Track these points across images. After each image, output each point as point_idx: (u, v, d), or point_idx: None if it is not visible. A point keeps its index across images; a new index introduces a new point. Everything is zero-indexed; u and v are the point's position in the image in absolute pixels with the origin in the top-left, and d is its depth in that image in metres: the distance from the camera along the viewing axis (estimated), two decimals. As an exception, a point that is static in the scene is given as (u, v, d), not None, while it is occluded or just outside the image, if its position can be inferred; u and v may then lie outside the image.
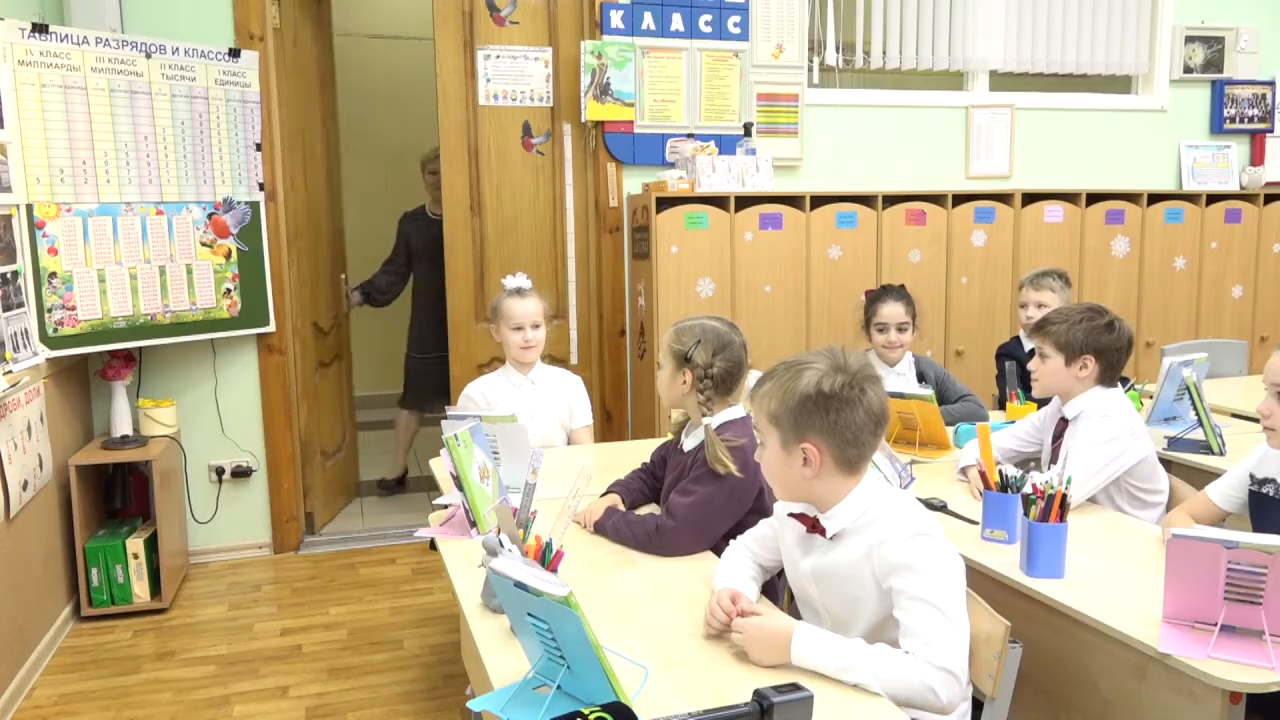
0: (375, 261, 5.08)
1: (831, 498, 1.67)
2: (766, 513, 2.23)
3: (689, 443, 2.30)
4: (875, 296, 3.45)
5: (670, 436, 2.45)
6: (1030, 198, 4.51)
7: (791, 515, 1.76)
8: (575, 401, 3.19)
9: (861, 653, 1.54)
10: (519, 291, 3.13)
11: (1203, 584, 1.66)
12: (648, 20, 4.28)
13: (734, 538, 2.16)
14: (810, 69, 4.55)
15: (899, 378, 3.35)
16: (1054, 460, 2.58)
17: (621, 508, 2.34)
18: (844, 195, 4.29)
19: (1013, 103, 4.79)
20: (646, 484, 2.47)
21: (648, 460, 2.52)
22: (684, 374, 2.23)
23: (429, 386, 4.84)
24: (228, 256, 3.86)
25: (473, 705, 1.57)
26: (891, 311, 3.37)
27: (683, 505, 2.15)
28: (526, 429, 2.63)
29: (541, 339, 3.14)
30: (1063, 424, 2.59)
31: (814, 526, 1.71)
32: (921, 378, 3.37)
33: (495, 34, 4.29)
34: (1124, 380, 3.25)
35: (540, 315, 3.12)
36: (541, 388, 3.14)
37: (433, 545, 3.17)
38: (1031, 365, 2.62)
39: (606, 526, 2.25)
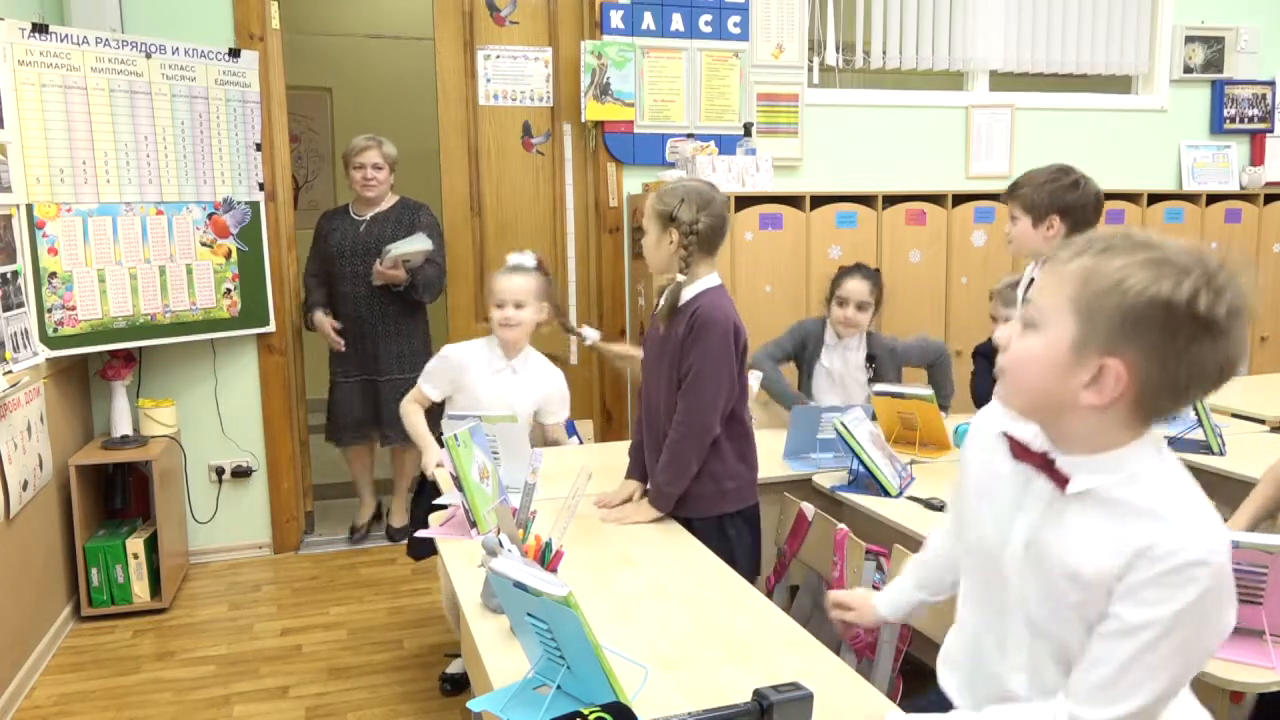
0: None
1: (1093, 441, 1.16)
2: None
3: (662, 303, 2.36)
4: (843, 272, 3.40)
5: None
6: (1030, 198, 4.51)
7: (1007, 435, 1.26)
8: (552, 397, 3.02)
9: None
10: (512, 268, 2.92)
11: (1203, 584, 1.66)
12: (648, 20, 4.28)
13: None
14: (810, 69, 4.55)
15: (847, 353, 3.35)
16: None
17: (637, 493, 2.39)
18: (844, 195, 4.29)
19: (1013, 103, 4.79)
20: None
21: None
22: (670, 233, 2.27)
23: (349, 416, 4.16)
24: (228, 256, 3.86)
25: (473, 705, 1.57)
26: (855, 288, 3.29)
27: (690, 400, 2.25)
28: (526, 429, 2.63)
29: (525, 319, 2.88)
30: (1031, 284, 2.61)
31: (1049, 468, 1.20)
32: (872, 359, 3.34)
33: (495, 34, 4.29)
34: None
35: (527, 294, 2.87)
36: (522, 378, 2.94)
37: (415, 554, 3.13)
38: (1005, 228, 2.68)
39: (664, 496, 2.31)
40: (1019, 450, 1.23)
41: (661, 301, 2.33)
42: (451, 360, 2.94)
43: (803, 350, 3.41)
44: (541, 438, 3.06)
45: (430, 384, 2.93)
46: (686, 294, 2.29)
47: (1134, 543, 1.12)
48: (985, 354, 3.59)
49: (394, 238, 3.98)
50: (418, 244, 3.89)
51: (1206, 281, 1.07)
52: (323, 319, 4.09)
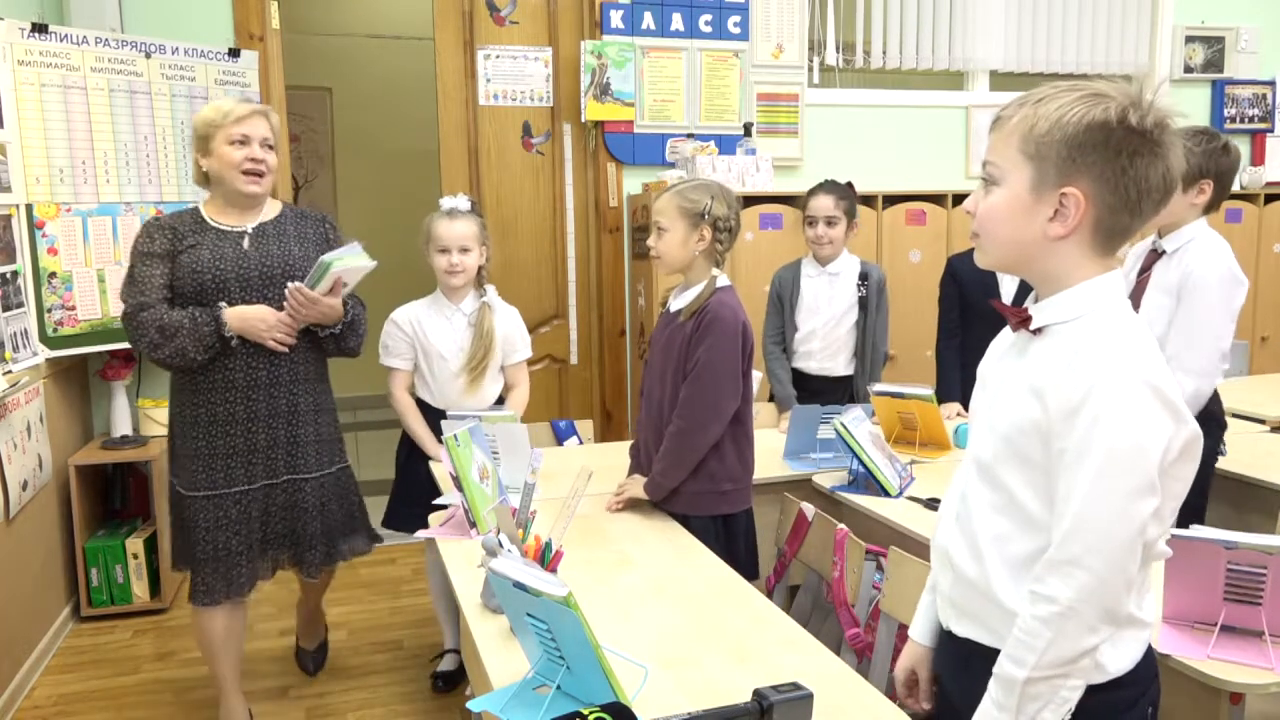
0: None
1: (1060, 279, 1.27)
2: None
3: (678, 302, 2.36)
4: (811, 191, 3.38)
5: None
6: (1030, 198, 4.51)
7: (994, 302, 1.44)
8: (511, 334, 3.01)
9: (996, 669, 1.25)
10: (450, 213, 2.90)
11: (1202, 584, 1.66)
12: (648, 20, 4.28)
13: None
14: (810, 69, 4.55)
15: (833, 277, 3.35)
16: (1135, 298, 2.53)
17: (641, 481, 2.39)
18: (844, 195, 4.29)
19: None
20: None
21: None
22: (701, 230, 2.29)
23: (237, 551, 2.54)
24: (228, 256, 3.84)
25: (472, 705, 1.57)
26: (820, 204, 3.30)
27: (692, 392, 2.26)
28: (525, 429, 2.63)
29: (471, 264, 2.90)
30: (1153, 256, 2.55)
31: (1021, 320, 1.31)
32: (865, 277, 3.35)
33: (495, 34, 4.29)
34: None
35: (472, 240, 2.89)
36: (471, 319, 2.95)
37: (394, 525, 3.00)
38: None
39: (657, 485, 2.32)
40: (1001, 306, 1.34)
41: (689, 298, 2.33)
42: (404, 324, 2.93)
43: (782, 294, 3.42)
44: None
45: (395, 357, 2.93)
46: (706, 292, 2.30)
47: (1062, 360, 1.23)
48: (947, 329, 3.54)
49: (302, 259, 2.55)
50: (361, 257, 2.56)
51: (1132, 102, 1.21)
52: (243, 309, 2.48)
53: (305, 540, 2.64)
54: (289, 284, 2.48)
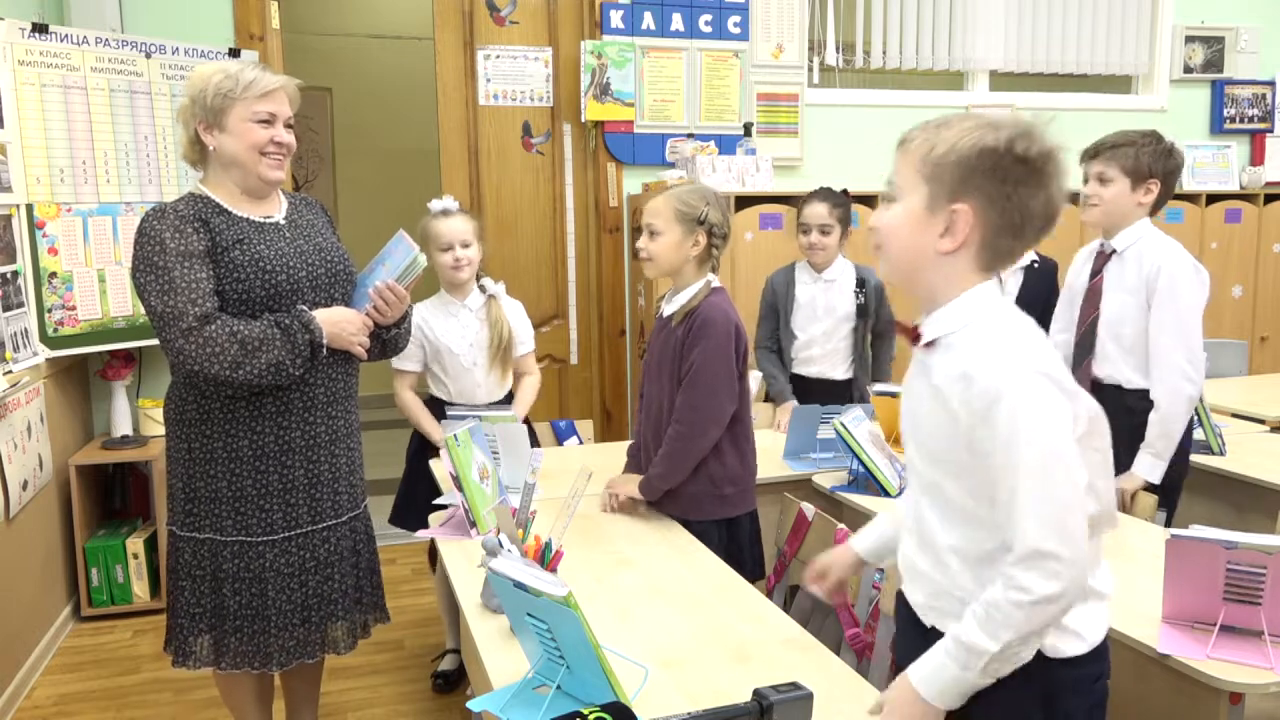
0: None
1: (944, 291, 1.36)
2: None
3: (671, 306, 2.37)
4: (805, 197, 3.35)
5: None
6: (1030, 198, 4.50)
7: (896, 321, 1.55)
8: (517, 327, 3.05)
9: (961, 635, 1.29)
10: (445, 212, 2.95)
11: (1202, 584, 1.66)
12: (648, 20, 4.28)
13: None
14: (810, 69, 4.55)
15: (830, 284, 3.32)
16: (1093, 299, 2.52)
17: (636, 480, 2.38)
18: (844, 195, 4.28)
19: (1012, 103, 4.79)
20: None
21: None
22: (697, 235, 2.29)
23: (285, 613, 2.20)
24: (228, 256, 3.84)
25: (472, 705, 1.57)
26: (813, 212, 3.27)
27: (689, 397, 2.26)
28: (525, 429, 2.63)
29: (474, 257, 2.94)
30: (1104, 258, 2.55)
31: (913, 335, 1.40)
32: (862, 283, 3.31)
33: (495, 34, 4.29)
34: None
35: (471, 234, 2.93)
36: (479, 314, 3.01)
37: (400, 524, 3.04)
38: (1088, 190, 2.56)
39: (653, 486, 2.32)
40: (900, 328, 1.43)
41: (681, 302, 2.33)
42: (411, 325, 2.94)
43: (776, 301, 3.40)
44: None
45: (403, 359, 2.91)
46: (699, 296, 2.30)
47: (959, 368, 1.31)
48: None
49: (337, 250, 2.30)
50: (416, 246, 2.30)
51: (1022, 132, 1.30)
52: (331, 313, 2.19)
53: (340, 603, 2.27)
54: (377, 282, 2.23)
